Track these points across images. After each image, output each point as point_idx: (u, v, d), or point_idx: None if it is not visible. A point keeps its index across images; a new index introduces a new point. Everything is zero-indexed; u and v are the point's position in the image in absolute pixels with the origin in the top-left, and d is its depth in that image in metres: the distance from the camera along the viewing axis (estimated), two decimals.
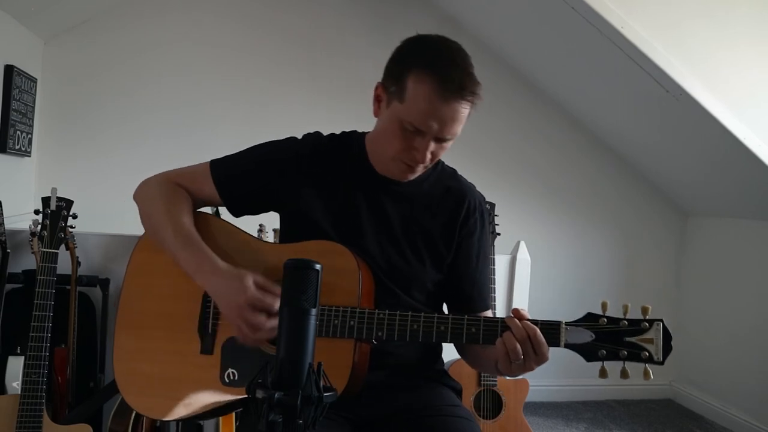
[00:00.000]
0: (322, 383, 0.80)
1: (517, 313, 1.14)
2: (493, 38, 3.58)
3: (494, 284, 2.54)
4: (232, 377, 1.21)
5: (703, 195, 3.62)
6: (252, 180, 1.33)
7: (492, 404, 2.52)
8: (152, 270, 1.31)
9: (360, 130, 1.39)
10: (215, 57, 3.31)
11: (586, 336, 1.12)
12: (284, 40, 3.36)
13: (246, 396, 1.18)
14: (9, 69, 2.60)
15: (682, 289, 3.81)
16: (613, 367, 1.13)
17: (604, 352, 1.12)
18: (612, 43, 2.69)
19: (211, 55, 3.31)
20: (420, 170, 1.27)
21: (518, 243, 2.88)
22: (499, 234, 2.59)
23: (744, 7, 2.75)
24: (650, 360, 1.11)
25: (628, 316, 1.13)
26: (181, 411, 1.23)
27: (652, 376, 1.11)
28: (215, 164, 1.35)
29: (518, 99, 3.69)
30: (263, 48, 3.36)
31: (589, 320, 1.14)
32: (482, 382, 2.50)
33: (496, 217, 2.59)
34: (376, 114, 1.28)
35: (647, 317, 1.13)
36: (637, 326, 1.12)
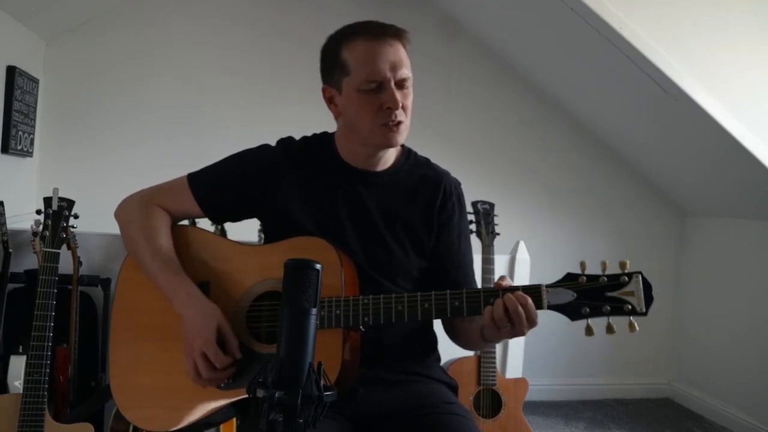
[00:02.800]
0: (322, 382, 0.80)
1: (501, 281, 1.17)
2: (492, 38, 3.59)
3: (494, 284, 2.54)
4: (227, 382, 1.22)
5: (702, 195, 3.62)
6: (230, 189, 1.36)
7: (491, 403, 2.52)
8: (140, 286, 1.32)
9: (330, 131, 1.41)
10: (216, 58, 3.32)
11: (567, 296, 1.14)
12: (284, 41, 3.36)
13: (243, 398, 1.20)
14: (11, 70, 2.61)
15: (682, 289, 3.81)
16: (598, 324, 1.14)
17: (588, 309, 1.14)
18: (611, 44, 2.69)
19: (212, 56, 3.31)
20: (402, 131, 1.28)
21: (518, 243, 2.88)
22: (498, 234, 2.59)
23: (743, 7, 2.76)
24: (633, 312, 1.12)
25: (606, 272, 1.14)
26: (180, 421, 1.24)
27: (637, 328, 1.12)
28: (193, 177, 1.38)
29: (517, 99, 3.69)
30: (263, 49, 3.37)
31: (569, 280, 1.16)
32: (482, 382, 2.51)
33: (495, 217, 2.60)
34: (336, 114, 1.34)
35: (626, 271, 1.14)
36: (616, 281, 1.14)
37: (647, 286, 1.13)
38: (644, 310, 1.12)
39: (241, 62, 3.34)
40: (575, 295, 1.14)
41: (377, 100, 1.24)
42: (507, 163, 3.69)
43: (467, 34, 3.56)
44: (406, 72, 1.26)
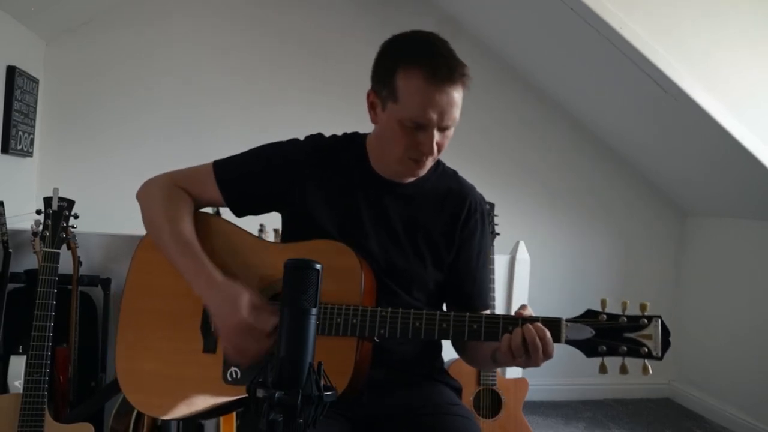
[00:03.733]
0: (322, 382, 0.80)
1: (522, 310, 1.17)
2: (492, 39, 3.59)
3: (494, 284, 2.55)
4: (234, 375, 1.22)
5: (702, 195, 3.62)
6: (255, 181, 1.34)
7: (491, 403, 2.52)
8: (155, 268, 1.31)
9: (361, 132, 1.40)
10: (216, 58, 3.32)
11: (586, 332, 1.14)
12: (284, 42, 3.36)
13: (244, 397, 1.20)
14: (11, 70, 2.61)
15: (681, 289, 3.82)
16: (612, 363, 1.14)
17: (604, 347, 1.13)
18: (611, 44, 2.69)
19: (212, 56, 3.31)
20: (429, 164, 1.28)
21: (518, 243, 2.88)
22: (498, 234, 2.60)
23: (743, 7, 2.76)
24: (649, 356, 1.13)
25: (627, 313, 1.14)
26: (182, 410, 1.23)
27: (651, 372, 1.12)
28: (218, 165, 1.35)
29: (517, 99, 3.69)
30: (263, 49, 3.37)
31: (589, 316, 1.15)
32: (482, 382, 2.51)
33: (495, 217, 2.60)
34: (374, 121, 1.30)
35: (646, 313, 1.14)
36: (636, 322, 1.14)
37: (665, 332, 1.14)
38: (660, 355, 1.13)
39: (241, 62, 3.34)
40: (594, 332, 1.14)
41: (415, 138, 1.21)
42: (507, 163, 3.69)
43: (467, 34, 3.55)
44: (454, 118, 1.21)
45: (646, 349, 1.13)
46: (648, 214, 3.88)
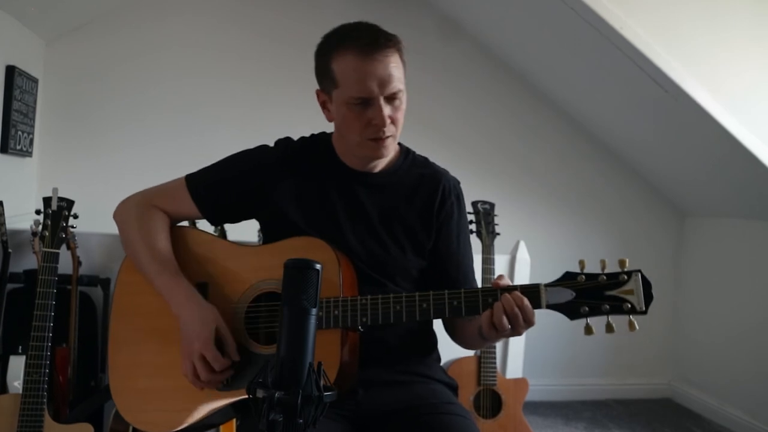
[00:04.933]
0: (322, 382, 0.80)
1: (499, 280, 1.17)
2: (492, 39, 3.59)
3: (491, 283, 2.55)
4: (225, 383, 1.23)
5: (702, 195, 3.62)
6: (227, 188, 1.36)
7: (491, 403, 2.52)
8: (139, 289, 1.32)
9: (329, 132, 1.41)
10: (215, 59, 3.31)
11: (567, 295, 1.13)
12: (284, 42, 3.36)
13: (242, 399, 1.20)
14: (10, 69, 2.60)
15: (680, 289, 3.81)
16: (597, 323, 1.13)
17: (587, 308, 1.13)
18: (611, 44, 2.69)
19: (211, 57, 3.31)
20: (391, 144, 1.28)
21: (518, 243, 2.89)
22: (498, 234, 2.60)
23: (743, 7, 2.76)
24: (633, 311, 1.11)
25: (605, 271, 1.13)
26: (180, 422, 1.24)
27: (637, 327, 1.11)
28: (190, 178, 1.38)
29: (517, 99, 3.69)
30: (263, 49, 3.36)
31: (568, 278, 1.15)
32: (482, 382, 2.51)
33: (495, 217, 2.60)
34: (329, 119, 1.33)
35: (625, 269, 1.13)
36: (615, 279, 1.13)
37: (647, 285, 1.12)
38: (644, 308, 1.11)
39: (240, 62, 3.34)
40: (574, 294, 1.13)
41: (365, 116, 1.23)
42: (507, 163, 3.68)
43: (467, 34, 3.55)
44: (396, 86, 1.23)
45: (629, 305, 1.11)
46: (648, 214, 3.88)
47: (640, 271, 1.13)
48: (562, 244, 3.71)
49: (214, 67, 3.31)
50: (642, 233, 3.86)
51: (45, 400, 1.86)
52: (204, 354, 1.18)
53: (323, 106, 1.33)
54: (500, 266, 2.76)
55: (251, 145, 1.40)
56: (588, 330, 1.14)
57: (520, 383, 2.58)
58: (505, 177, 3.64)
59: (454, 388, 1.40)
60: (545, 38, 3.21)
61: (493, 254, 2.55)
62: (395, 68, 1.23)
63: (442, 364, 1.45)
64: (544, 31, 3.14)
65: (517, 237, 2.92)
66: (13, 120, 2.64)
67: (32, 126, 2.91)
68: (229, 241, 1.38)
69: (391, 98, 1.24)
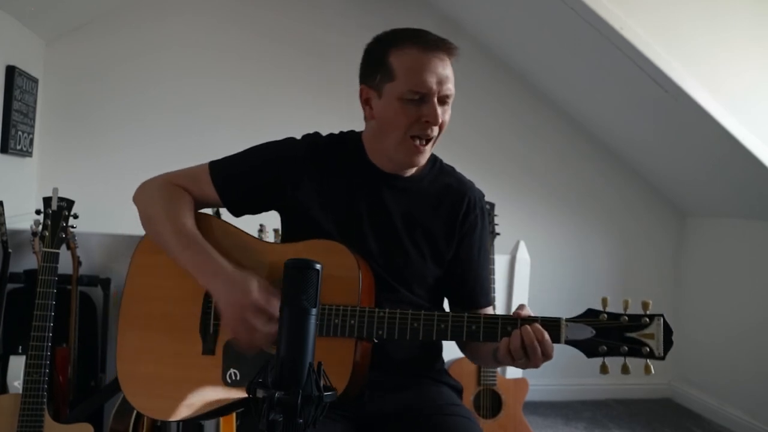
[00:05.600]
0: (322, 383, 0.80)
1: (520, 310, 1.16)
2: (492, 39, 3.59)
3: (494, 284, 2.55)
4: (234, 377, 1.22)
5: (702, 195, 3.62)
6: (251, 180, 1.34)
7: (491, 403, 2.52)
8: (153, 272, 1.31)
9: (358, 131, 1.40)
10: (215, 59, 3.31)
11: (586, 332, 1.12)
12: (284, 42, 3.36)
13: (245, 398, 1.20)
14: (11, 69, 2.60)
15: (681, 289, 3.82)
16: (613, 362, 1.12)
17: (605, 348, 1.12)
18: (611, 44, 2.70)
19: (211, 57, 3.31)
20: (428, 150, 1.27)
21: (518, 243, 2.89)
22: (498, 234, 2.60)
23: (743, 7, 2.76)
24: (651, 355, 1.11)
25: (628, 311, 1.12)
26: (183, 412, 1.23)
27: (653, 371, 1.11)
28: (214, 165, 1.35)
29: (517, 99, 3.69)
30: (263, 50, 3.36)
31: (590, 316, 1.14)
32: (482, 382, 2.51)
33: (495, 217, 2.60)
34: (370, 117, 1.31)
35: (648, 312, 1.12)
36: (637, 321, 1.12)
37: (668, 330, 1.11)
38: (662, 354, 1.11)
39: (240, 62, 3.34)
40: (594, 332, 1.12)
41: (417, 112, 1.22)
42: (507, 163, 3.69)
43: (467, 34, 3.55)
44: (451, 88, 1.24)
45: (648, 349, 1.11)
46: (648, 214, 3.88)
47: (662, 315, 1.12)
48: (562, 244, 3.72)
49: (214, 67, 3.31)
50: (642, 233, 3.86)
51: (45, 400, 1.86)
52: (257, 303, 1.14)
53: (366, 103, 1.30)
54: (500, 266, 2.77)
55: (251, 144, 1.39)
56: (603, 369, 1.13)
57: (520, 383, 2.58)
58: (505, 177, 3.65)
59: (459, 391, 1.40)
60: (545, 38, 3.21)
61: (493, 254, 2.56)
62: (452, 72, 1.25)
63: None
64: (544, 31, 3.14)
65: (517, 237, 2.92)
66: (13, 120, 2.64)
67: (32, 126, 2.91)
68: (250, 235, 1.34)
69: (443, 100, 1.24)
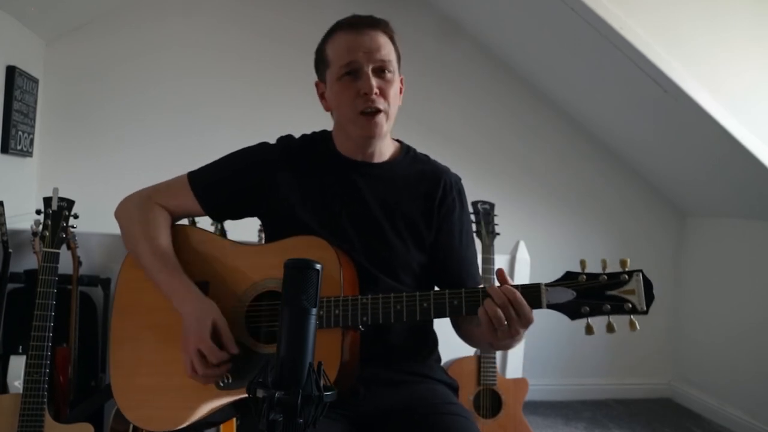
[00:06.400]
0: (322, 382, 0.80)
1: (500, 275, 1.16)
2: (492, 39, 3.59)
3: (494, 284, 2.55)
4: (226, 381, 1.22)
5: (702, 195, 3.62)
6: (229, 185, 1.36)
7: (491, 403, 2.52)
8: (140, 285, 1.32)
9: (330, 129, 1.42)
10: (215, 59, 3.32)
11: (567, 295, 1.12)
12: (284, 42, 3.36)
13: (243, 398, 1.20)
14: (11, 70, 2.61)
15: (681, 289, 3.82)
16: (598, 323, 1.12)
17: (588, 308, 1.12)
18: (611, 44, 2.70)
19: (212, 58, 3.31)
20: (381, 121, 1.28)
21: (518, 243, 2.88)
22: (498, 234, 2.59)
23: (742, 7, 2.76)
24: (634, 311, 1.11)
25: (607, 271, 1.13)
26: (181, 421, 1.24)
27: (638, 327, 1.10)
28: (193, 176, 1.38)
29: (517, 99, 3.69)
30: (263, 50, 3.36)
31: (569, 278, 1.14)
32: (482, 382, 2.51)
33: (495, 217, 2.60)
34: (327, 108, 1.36)
35: (626, 269, 1.12)
36: (617, 279, 1.12)
37: (648, 284, 1.11)
38: (645, 308, 1.10)
39: (240, 62, 3.34)
40: (575, 293, 1.12)
41: (354, 87, 1.27)
42: (507, 163, 3.69)
43: (467, 34, 3.55)
44: (382, 57, 1.27)
45: (630, 305, 1.10)
46: (648, 214, 3.88)
47: (641, 271, 1.12)
48: (562, 244, 3.71)
49: (214, 67, 3.31)
50: (642, 233, 3.86)
51: (45, 399, 1.86)
52: (199, 347, 1.18)
53: (321, 97, 1.37)
54: (500, 266, 2.74)
55: (250, 144, 1.40)
56: (589, 330, 1.13)
57: (520, 383, 2.58)
58: (505, 177, 3.65)
59: (454, 389, 1.40)
60: (545, 38, 3.21)
61: (493, 254, 2.55)
62: (384, 45, 1.28)
63: (442, 363, 1.45)
64: (544, 31, 3.14)
65: (517, 237, 2.92)
66: (14, 120, 2.64)
67: (32, 126, 2.91)
68: (229, 239, 1.39)
69: (379, 71, 1.27)
